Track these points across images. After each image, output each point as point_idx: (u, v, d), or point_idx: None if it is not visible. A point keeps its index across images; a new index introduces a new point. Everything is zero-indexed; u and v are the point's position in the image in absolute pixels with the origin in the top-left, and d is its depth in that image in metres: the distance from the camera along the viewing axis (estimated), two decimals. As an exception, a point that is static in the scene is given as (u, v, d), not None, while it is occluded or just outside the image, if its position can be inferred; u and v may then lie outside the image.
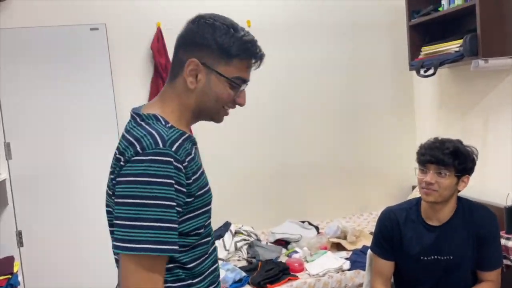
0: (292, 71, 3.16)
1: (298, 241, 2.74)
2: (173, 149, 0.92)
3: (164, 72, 2.85)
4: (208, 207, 1.03)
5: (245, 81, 1.04)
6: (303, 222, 3.03)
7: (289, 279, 2.30)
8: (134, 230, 0.87)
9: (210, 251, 1.07)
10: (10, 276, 2.35)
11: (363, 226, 3.07)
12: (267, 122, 3.17)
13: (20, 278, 2.47)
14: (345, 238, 2.74)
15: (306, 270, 2.40)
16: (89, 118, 2.67)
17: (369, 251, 1.85)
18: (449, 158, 1.60)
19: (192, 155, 0.99)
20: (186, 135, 1.01)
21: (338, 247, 2.69)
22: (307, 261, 2.49)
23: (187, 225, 0.97)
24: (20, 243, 2.59)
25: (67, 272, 2.64)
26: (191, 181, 0.95)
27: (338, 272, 2.35)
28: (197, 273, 1.02)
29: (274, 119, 3.18)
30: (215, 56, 1.00)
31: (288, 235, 2.79)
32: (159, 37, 2.85)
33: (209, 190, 1.04)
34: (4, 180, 2.53)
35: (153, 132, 0.94)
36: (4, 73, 2.54)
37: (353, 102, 3.30)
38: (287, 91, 3.17)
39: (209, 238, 1.06)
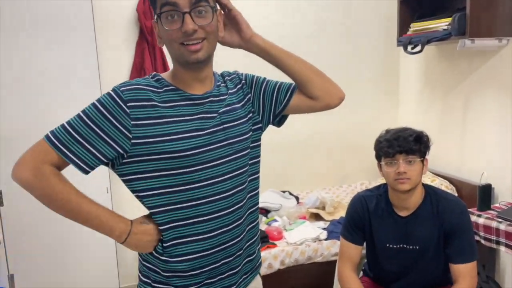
0: (278, 36, 3.11)
1: (278, 210, 2.80)
2: (121, 88, 1.03)
3: (149, 35, 2.78)
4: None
5: (168, 3, 1.01)
6: (284, 192, 3.09)
7: (267, 247, 2.36)
8: (61, 129, 1.05)
9: None
10: (-10, 235, 2.35)
11: (341, 198, 3.15)
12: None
13: (0, 237, 2.48)
14: (323, 208, 2.81)
15: (285, 238, 2.47)
16: (71, 80, 2.61)
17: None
18: (415, 144, 1.62)
19: (153, 102, 1.04)
20: (160, 87, 1.07)
21: (316, 217, 2.77)
22: (286, 230, 2.56)
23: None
24: (0, 202, 2.58)
25: (47, 230, 2.65)
26: (137, 122, 1.01)
27: (315, 242, 2.42)
28: None
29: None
30: (153, 9, 1.07)
31: (268, 204, 2.85)
32: (145, -1, 2.77)
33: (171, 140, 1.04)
34: (-17, 139, 2.49)
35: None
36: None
37: (338, 74, 3.20)
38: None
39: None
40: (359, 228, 1.76)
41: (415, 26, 2.79)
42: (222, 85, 1.18)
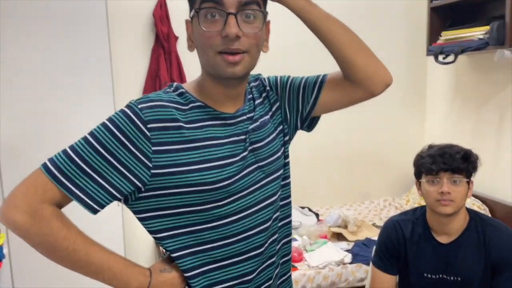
0: (298, 50, 2.98)
1: (297, 228, 2.63)
2: (140, 106, 0.84)
3: (165, 41, 2.67)
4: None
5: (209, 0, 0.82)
6: (302, 208, 2.93)
7: (287, 269, 2.20)
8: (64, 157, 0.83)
9: None
10: (-6, 249, 2.24)
11: (364, 215, 2.98)
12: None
13: (5, 251, 2.36)
14: (346, 227, 2.64)
15: (306, 260, 2.30)
16: (84, 85, 2.50)
17: (370, 264, 1.71)
18: (463, 163, 1.46)
19: (179, 122, 0.85)
20: (185, 103, 0.89)
21: (338, 236, 2.60)
22: (307, 251, 2.39)
23: None
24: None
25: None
26: (158, 148, 0.84)
27: (339, 265, 2.25)
28: None
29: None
30: (189, 4, 0.90)
31: (287, 221, 2.69)
32: (162, 4, 2.65)
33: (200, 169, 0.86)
34: (-9, 147, 2.38)
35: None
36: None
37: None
38: (290, 71, 2.99)
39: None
40: (393, 256, 1.60)
41: (447, 35, 2.63)
42: (250, 96, 1.00)
